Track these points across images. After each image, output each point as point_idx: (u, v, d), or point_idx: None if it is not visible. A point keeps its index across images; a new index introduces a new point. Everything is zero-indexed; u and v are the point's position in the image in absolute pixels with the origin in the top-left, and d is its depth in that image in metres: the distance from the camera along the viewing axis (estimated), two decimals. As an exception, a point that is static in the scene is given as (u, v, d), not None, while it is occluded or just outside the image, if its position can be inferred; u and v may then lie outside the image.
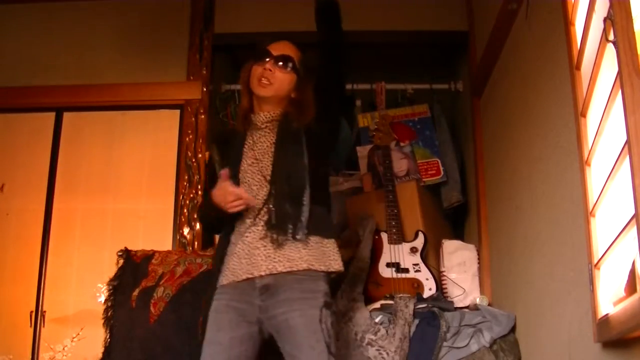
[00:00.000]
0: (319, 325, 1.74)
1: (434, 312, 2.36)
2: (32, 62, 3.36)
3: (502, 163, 2.57)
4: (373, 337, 2.28)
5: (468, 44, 3.16)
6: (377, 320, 2.36)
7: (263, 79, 1.91)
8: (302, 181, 1.85)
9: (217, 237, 2.32)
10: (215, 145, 2.08)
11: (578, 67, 1.57)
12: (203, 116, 3.21)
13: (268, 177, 1.87)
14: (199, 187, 3.11)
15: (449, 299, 2.65)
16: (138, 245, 2.72)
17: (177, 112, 3.25)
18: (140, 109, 3.28)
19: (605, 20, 1.25)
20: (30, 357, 2.94)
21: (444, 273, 2.75)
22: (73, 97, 3.29)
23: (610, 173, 1.29)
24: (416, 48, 3.61)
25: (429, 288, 2.65)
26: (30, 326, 2.99)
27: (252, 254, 1.83)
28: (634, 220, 1.12)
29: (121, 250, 2.62)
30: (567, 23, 1.68)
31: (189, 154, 3.14)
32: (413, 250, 2.74)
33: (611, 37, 1.22)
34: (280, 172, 1.87)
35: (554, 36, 1.81)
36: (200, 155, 3.15)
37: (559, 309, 1.79)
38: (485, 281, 2.76)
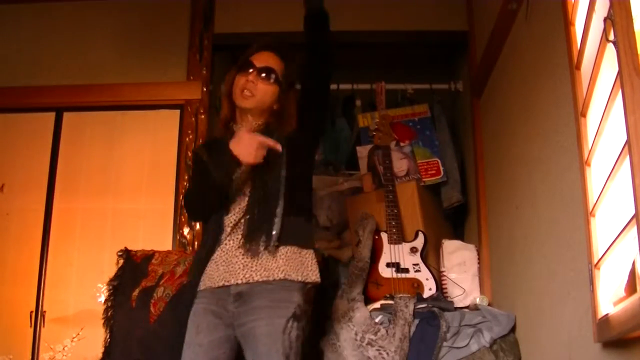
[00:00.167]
0: (281, 335, 1.75)
1: (434, 312, 2.36)
2: (32, 62, 3.36)
3: (502, 163, 2.57)
4: (373, 337, 2.28)
5: (468, 44, 3.16)
6: (377, 320, 2.36)
7: (245, 90, 1.91)
8: (276, 192, 1.86)
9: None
10: (204, 150, 2.06)
11: (578, 67, 1.57)
12: (203, 116, 3.21)
13: (248, 190, 1.90)
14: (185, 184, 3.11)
15: (449, 299, 2.65)
16: (138, 245, 2.72)
17: (177, 112, 3.25)
18: (140, 109, 3.28)
19: (605, 20, 1.25)
20: (30, 357, 2.94)
21: (444, 273, 2.75)
22: (73, 97, 3.29)
23: (611, 173, 1.29)
24: (416, 48, 3.61)
25: (429, 288, 2.65)
26: (30, 326, 2.99)
27: (229, 262, 1.85)
28: (634, 220, 1.12)
29: (121, 250, 2.62)
30: (567, 23, 1.68)
31: (189, 154, 3.14)
32: (413, 250, 2.74)
33: (611, 37, 1.22)
34: (258, 183, 1.88)
35: (554, 36, 1.81)
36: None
37: (559, 309, 1.79)
38: (485, 281, 2.76)
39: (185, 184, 3.12)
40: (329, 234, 3.17)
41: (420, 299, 2.48)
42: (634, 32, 1.18)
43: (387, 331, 2.30)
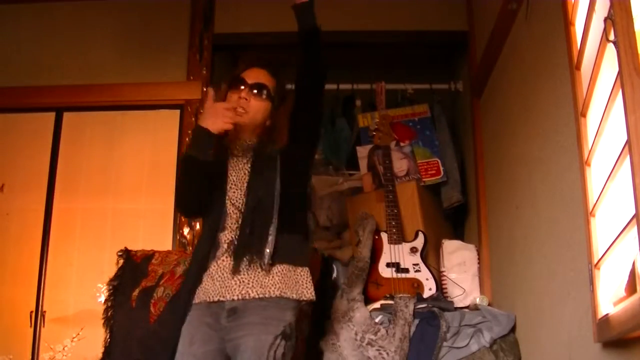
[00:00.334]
0: (266, 351, 1.74)
1: (434, 312, 2.36)
2: (32, 62, 3.36)
3: (502, 163, 2.57)
4: (373, 337, 2.28)
5: (468, 44, 3.16)
6: (377, 320, 2.36)
7: (239, 107, 1.92)
8: (269, 211, 1.86)
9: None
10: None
11: (578, 67, 1.57)
12: (205, 116, 3.20)
13: (241, 207, 1.90)
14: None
15: (449, 299, 2.65)
16: (138, 245, 2.72)
17: (177, 112, 3.25)
18: (140, 109, 3.28)
19: (605, 20, 1.25)
20: (30, 357, 2.94)
21: (444, 273, 2.75)
22: (73, 97, 3.29)
23: (611, 173, 1.29)
24: (416, 48, 3.61)
25: (429, 288, 2.65)
26: (30, 326, 2.99)
27: (225, 278, 1.85)
28: (634, 220, 1.12)
29: (121, 250, 2.62)
30: (567, 23, 1.68)
31: (189, 154, 3.14)
32: (413, 250, 2.74)
33: (611, 37, 1.22)
34: (251, 202, 1.89)
35: (554, 36, 1.81)
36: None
37: (559, 309, 1.79)
38: (485, 281, 2.76)
39: (185, 184, 3.11)
40: (329, 234, 3.17)
41: (420, 299, 2.48)
42: (634, 32, 1.18)
43: (387, 331, 2.30)
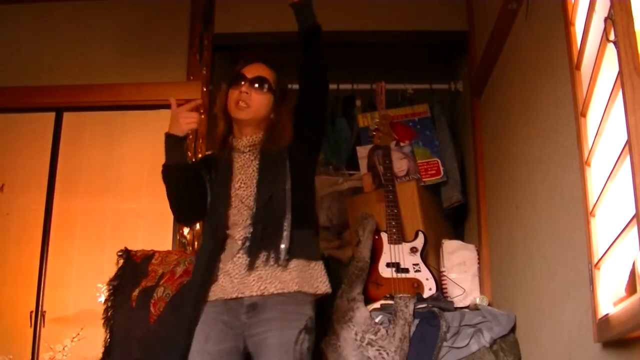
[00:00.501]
0: (293, 346, 1.76)
1: (434, 312, 2.36)
2: (32, 62, 3.36)
3: (502, 163, 2.57)
4: (373, 337, 2.28)
5: (468, 44, 3.16)
6: (377, 320, 2.36)
7: (240, 102, 1.92)
8: (282, 207, 1.87)
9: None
10: (202, 164, 2.07)
11: (578, 67, 1.57)
12: (203, 116, 3.20)
13: (251, 204, 1.90)
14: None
15: (449, 299, 2.65)
16: (138, 245, 2.72)
17: (177, 112, 3.24)
18: (140, 109, 3.28)
19: (605, 20, 1.25)
20: (30, 357, 2.94)
21: (444, 273, 2.75)
22: (73, 97, 3.29)
23: (611, 173, 1.29)
24: (416, 48, 3.61)
25: (429, 288, 2.65)
26: (30, 326, 2.98)
27: (243, 275, 1.85)
28: (634, 220, 1.12)
29: (121, 250, 2.62)
30: (567, 23, 1.68)
31: (189, 154, 3.14)
32: (413, 250, 2.74)
33: (612, 36, 1.22)
34: (262, 198, 1.89)
35: (554, 36, 1.81)
36: (200, 155, 3.15)
37: (559, 309, 1.79)
38: (485, 281, 2.76)
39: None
40: (329, 234, 3.17)
41: (420, 299, 2.48)
42: (634, 32, 1.18)
43: (387, 331, 2.30)
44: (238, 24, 3.36)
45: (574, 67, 1.59)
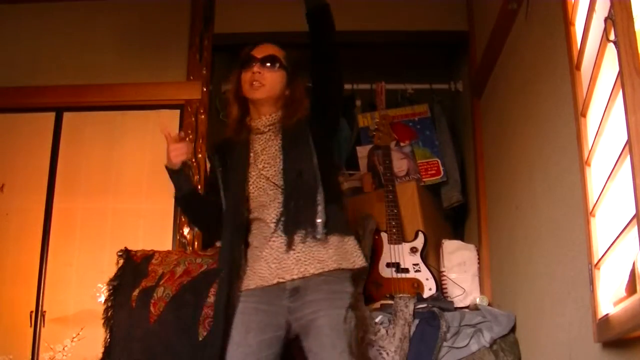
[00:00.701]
0: (343, 325, 1.77)
1: (434, 312, 2.36)
2: (32, 62, 3.35)
3: (502, 163, 2.57)
4: (373, 337, 2.28)
5: (468, 44, 3.16)
6: (377, 320, 2.36)
7: (254, 82, 1.93)
8: (314, 181, 1.85)
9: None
10: (215, 155, 2.07)
11: (578, 67, 1.57)
12: (203, 116, 3.21)
13: (280, 182, 1.88)
14: (199, 187, 3.11)
15: (449, 299, 2.65)
16: (138, 245, 2.72)
17: (177, 112, 3.24)
18: (140, 109, 3.28)
19: (606, 20, 1.25)
20: (30, 357, 2.93)
21: (444, 273, 2.75)
22: (73, 97, 3.28)
23: (611, 173, 1.29)
24: (416, 48, 3.61)
25: (429, 288, 2.65)
26: (30, 326, 2.98)
27: (281, 259, 1.84)
28: (634, 220, 1.12)
29: (121, 250, 2.61)
30: (567, 23, 1.68)
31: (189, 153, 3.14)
32: (413, 250, 2.74)
33: (612, 36, 1.22)
34: (291, 175, 1.87)
35: (554, 36, 1.81)
36: (200, 155, 3.15)
37: (559, 309, 1.79)
38: (485, 281, 2.76)
39: (185, 184, 3.11)
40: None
41: (420, 299, 2.48)
42: (634, 32, 1.18)
43: (387, 331, 2.30)
44: (238, 24, 3.36)
45: (574, 67, 1.59)
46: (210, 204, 1.99)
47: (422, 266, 2.70)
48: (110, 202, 3.18)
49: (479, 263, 2.79)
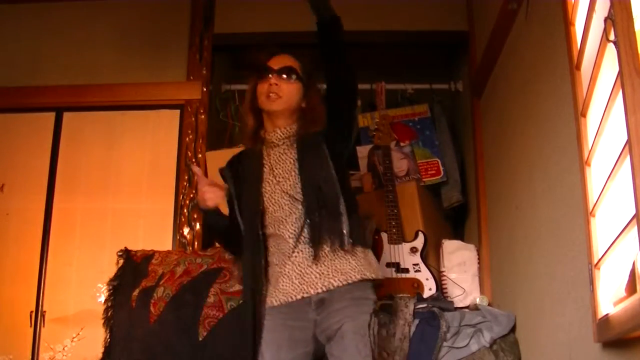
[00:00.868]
0: (367, 330, 1.78)
1: (434, 312, 2.36)
2: (32, 62, 3.36)
3: (502, 163, 2.57)
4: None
5: (468, 44, 3.16)
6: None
7: (271, 94, 1.91)
8: (335, 193, 1.84)
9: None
10: (227, 169, 2.05)
11: (578, 67, 1.57)
12: (203, 116, 3.21)
13: (298, 195, 1.87)
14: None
15: (449, 299, 2.65)
16: (138, 245, 2.72)
17: (177, 112, 3.24)
18: (140, 109, 3.28)
19: (605, 20, 1.25)
20: (30, 357, 2.94)
21: (444, 273, 2.75)
22: (73, 97, 3.29)
23: (611, 173, 1.29)
24: (416, 48, 3.61)
25: (429, 288, 2.65)
26: (30, 326, 2.98)
27: (304, 274, 1.82)
28: (634, 220, 1.12)
29: (121, 250, 2.62)
30: (567, 23, 1.68)
31: (189, 154, 3.14)
32: (413, 250, 2.74)
33: (612, 37, 1.22)
34: (311, 187, 1.86)
35: (554, 36, 1.81)
36: (200, 156, 3.15)
37: (559, 309, 1.79)
38: (485, 281, 2.76)
39: (185, 184, 3.12)
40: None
41: (420, 299, 2.48)
42: (634, 32, 1.18)
43: (387, 331, 2.30)
44: (238, 24, 3.36)
45: (574, 67, 1.59)
46: (237, 225, 1.96)
47: (422, 266, 2.70)
48: (110, 202, 3.18)
49: (479, 263, 2.79)
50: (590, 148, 1.47)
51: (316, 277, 1.81)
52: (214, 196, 1.96)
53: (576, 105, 1.58)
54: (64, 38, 3.38)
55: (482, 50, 2.78)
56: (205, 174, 3.10)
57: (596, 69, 1.39)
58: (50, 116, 3.28)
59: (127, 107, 3.28)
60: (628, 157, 1.14)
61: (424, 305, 2.42)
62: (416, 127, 3.35)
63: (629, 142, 1.13)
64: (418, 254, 2.73)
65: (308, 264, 1.83)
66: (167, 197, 3.13)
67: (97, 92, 3.27)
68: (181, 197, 3.10)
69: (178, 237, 3.06)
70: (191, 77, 3.27)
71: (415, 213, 2.87)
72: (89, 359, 2.75)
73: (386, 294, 2.55)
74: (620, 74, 1.18)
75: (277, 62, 1.96)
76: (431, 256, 2.82)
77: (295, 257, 1.84)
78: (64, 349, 2.92)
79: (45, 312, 3.01)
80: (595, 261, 1.44)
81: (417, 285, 2.64)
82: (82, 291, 3.01)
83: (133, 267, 2.56)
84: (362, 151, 3.31)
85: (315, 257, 1.81)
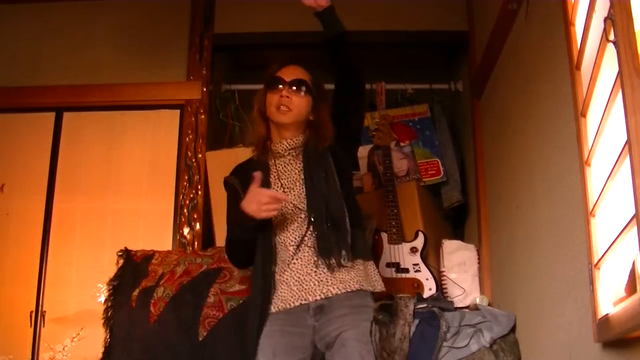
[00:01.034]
0: (369, 337, 1.79)
1: (434, 312, 2.36)
2: (32, 62, 3.36)
3: (502, 163, 2.57)
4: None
5: (468, 44, 3.16)
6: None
7: (282, 106, 1.91)
8: (340, 206, 1.86)
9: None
10: (237, 183, 2.01)
11: (578, 67, 1.57)
12: (203, 116, 3.21)
13: (302, 205, 1.88)
14: (199, 187, 3.11)
15: (449, 299, 2.65)
16: (138, 245, 2.72)
17: (177, 112, 3.25)
18: (140, 109, 3.28)
19: (605, 20, 1.25)
20: (30, 357, 2.94)
21: (444, 273, 2.75)
22: (73, 97, 3.29)
23: (611, 173, 1.29)
24: (416, 48, 3.61)
25: (429, 288, 2.65)
26: (30, 326, 2.98)
27: (302, 281, 1.84)
28: (634, 220, 1.12)
29: (121, 250, 2.62)
30: (567, 23, 1.68)
31: (189, 154, 3.14)
32: (413, 250, 2.74)
33: (611, 37, 1.22)
34: (316, 198, 1.87)
35: (554, 36, 1.81)
36: (200, 155, 3.15)
37: (559, 309, 1.79)
38: (485, 281, 2.76)
39: (185, 184, 3.12)
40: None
41: (420, 299, 2.48)
42: (634, 32, 1.18)
43: (387, 331, 2.30)
44: (238, 24, 3.36)
45: (574, 67, 1.59)
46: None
47: (422, 266, 2.70)
48: (110, 202, 3.18)
49: (479, 263, 2.79)
50: (590, 148, 1.47)
51: (315, 285, 1.82)
52: (270, 208, 1.76)
53: (576, 105, 1.58)
54: (64, 38, 3.38)
55: (482, 50, 2.78)
56: (205, 174, 3.11)
57: (596, 69, 1.39)
58: (50, 116, 3.28)
59: (127, 107, 3.29)
60: (628, 157, 1.14)
61: (424, 305, 2.42)
62: (416, 127, 3.35)
63: (628, 142, 1.13)
64: (418, 254, 2.73)
65: (307, 272, 1.84)
66: (167, 197, 3.14)
67: (97, 92, 3.28)
68: (181, 197, 3.10)
69: (178, 237, 3.06)
70: (191, 77, 3.27)
71: (415, 213, 2.87)
72: (89, 359, 2.75)
73: (386, 294, 2.55)
74: (620, 74, 1.18)
75: (288, 74, 1.96)
76: (431, 256, 2.82)
77: (294, 264, 1.86)
78: (64, 349, 2.92)
79: (45, 312, 3.01)
80: (595, 261, 1.44)
81: (417, 285, 2.64)
82: (82, 291, 3.01)
83: (133, 267, 2.57)
84: (362, 151, 3.30)
85: (324, 266, 1.83)
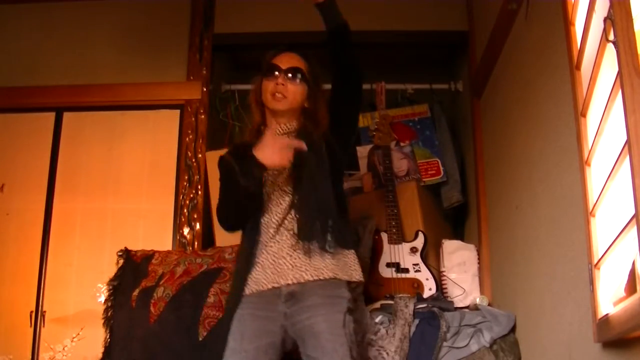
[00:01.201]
0: (342, 329, 1.77)
1: (434, 312, 2.36)
2: (32, 62, 3.36)
3: (502, 163, 2.57)
4: (373, 337, 2.28)
5: (468, 44, 3.16)
6: (377, 320, 2.35)
7: (277, 93, 1.93)
8: (327, 192, 1.87)
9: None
10: (232, 159, 2.00)
11: (578, 67, 1.57)
12: (203, 116, 3.21)
13: (289, 188, 1.89)
14: (199, 187, 3.11)
15: (449, 299, 2.65)
16: (138, 245, 2.72)
17: (177, 112, 3.25)
18: (140, 109, 3.28)
19: (605, 20, 1.25)
20: (30, 357, 2.94)
21: (444, 273, 2.75)
22: (73, 97, 3.29)
23: (610, 173, 1.29)
24: (416, 48, 3.61)
25: (429, 288, 2.65)
26: (30, 326, 2.99)
27: (277, 264, 1.84)
28: (634, 220, 1.12)
29: (121, 250, 2.62)
30: (567, 23, 1.68)
31: (189, 154, 3.14)
32: (413, 250, 2.74)
33: (611, 37, 1.22)
34: (304, 182, 1.88)
35: (554, 36, 1.81)
36: (200, 155, 3.15)
37: (559, 309, 1.79)
38: (485, 281, 2.76)
39: (185, 184, 3.12)
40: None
41: (420, 299, 2.48)
42: (634, 32, 1.18)
43: (387, 331, 2.30)
44: (238, 24, 3.36)
45: (574, 67, 1.59)
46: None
47: (422, 266, 2.70)
48: (110, 202, 3.18)
49: (479, 263, 2.79)
50: (590, 148, 1.47)
51: (288, 269, 1.82)
52: (286, 156, 1.81)
53: (576, 105, 1.58)
54: (64, 38, 3.38)
55: (482, 50, 2.78)
56: (205, 174, 3.11)
57: (596, 69, 1.39)
58: (50, 116, 3.28)
59: (127, 107, 3.29)
60: (628, 157, 1.14)
61: (424, 305, 2.42)
62: (416, 127, 3.35)
63: (628, 142, 1.13)
64: (418, 254, 2.73)
65: (282, 255, 1.85)
66: (167, 197, 3.14)
67: (97, 92, 3.28)
68: (181, 197, 3.10)
69: (178, 237, 3.06)
70: (191, 77, 3.27)
71: (415, 213, 2.87)
72: (89, 359, 2.75)
73: (386, 294, 2.55)
74: (619, 74, 1.18)
75: (284, 62, 1.97)
76: (431, 256, 2.82)
77: (271, 247, 1.87)
78: (64, 349, 2.92)
79: (45, 312, 3.01)
80: (595, 261, 1.44)
81: (417, 285, 2.64)
82: (82, 291, 3.01)
83: (133, 267, 2.57)
84: (362, 151, 3.31)
85: (301, 250, 1.83)
